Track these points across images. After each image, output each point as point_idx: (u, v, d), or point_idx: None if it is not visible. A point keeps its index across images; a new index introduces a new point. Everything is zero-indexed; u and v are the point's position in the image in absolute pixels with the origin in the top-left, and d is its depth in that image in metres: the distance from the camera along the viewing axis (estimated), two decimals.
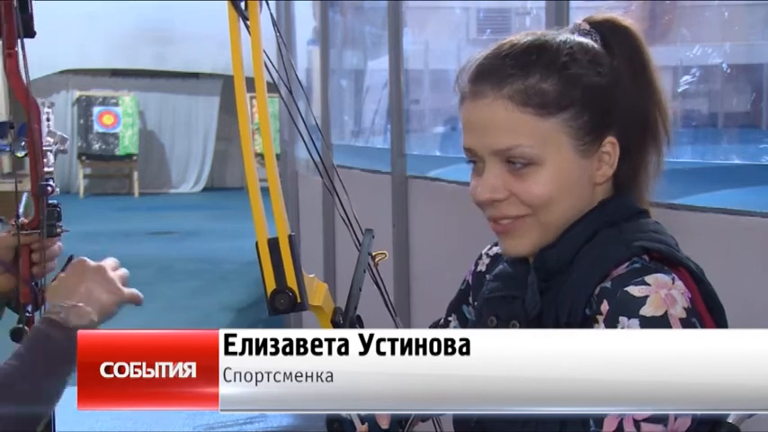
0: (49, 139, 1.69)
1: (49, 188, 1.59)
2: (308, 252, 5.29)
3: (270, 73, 1.17)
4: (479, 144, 1.20)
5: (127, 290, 1.48)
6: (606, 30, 1.23)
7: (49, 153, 1.69)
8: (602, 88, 1.19)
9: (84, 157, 14.74)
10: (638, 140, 1.23)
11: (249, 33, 1.04)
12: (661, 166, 1.26)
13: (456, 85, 1.24)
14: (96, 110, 14.88)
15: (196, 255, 9.15)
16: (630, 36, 1.24)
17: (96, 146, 14.86)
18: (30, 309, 1.58)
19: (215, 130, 15.37)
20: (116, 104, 14.93)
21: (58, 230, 1.64)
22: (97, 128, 14.80)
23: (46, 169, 1.66)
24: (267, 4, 1.07)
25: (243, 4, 1.03)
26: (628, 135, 1.22)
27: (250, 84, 1.03)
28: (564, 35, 1.22)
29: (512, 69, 1.17)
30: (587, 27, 1.24)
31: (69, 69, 14.90)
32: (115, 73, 15.36)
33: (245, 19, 1.03)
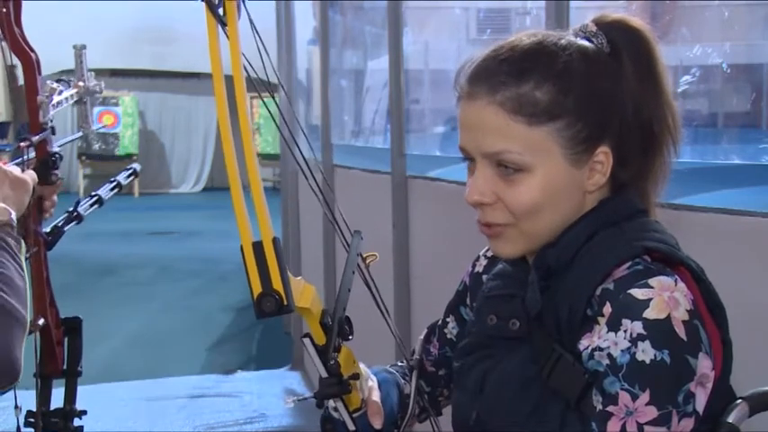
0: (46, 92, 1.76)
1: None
2: (309, 251, 5.30)
3: (267, 74, 1.18)
4: (471, 145, 1.20)
5: (27, 176, 1.62)
6: (615, 32, 1.22)
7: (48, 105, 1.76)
8: (598, 97, 1.18)
9: (84, 157, 14.75)
10: (641, 145, 1.22)
11: (228, 38, 1.04)
12: (667, 169, 1.26)
13: (455, 83, 1.23)
14: (96, 110, 14.89)
15: (196, 255, 9.15)
16: (640, 38, 1.22)
17: (96, 146, 14.87)
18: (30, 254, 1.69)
19: (215, 130, 15.38)
20: (116, 104, 14.94)
21: (54, 179, 1.72)
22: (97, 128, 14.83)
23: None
24: (245, 6, 1.07)
25: (221, 10, 1.03)
26: (629, 140, 1.21)
27: (251, 84, 1.03)
28: (566, 39, 1.20)
29: (506, 76, 1.17)
30: (594, 29, 1.23)
31: (69, 69, 14.88)
32: (115, 73, 15.35)
33: (224, 25, 1.04)
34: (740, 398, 1.20)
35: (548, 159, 1.17)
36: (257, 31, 1.15)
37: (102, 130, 14.79)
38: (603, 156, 1.19)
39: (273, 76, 1.22)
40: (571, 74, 1.17)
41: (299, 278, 1.12)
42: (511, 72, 1.17)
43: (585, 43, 1.21)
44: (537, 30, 1.24)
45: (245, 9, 1.07)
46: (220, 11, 1.04)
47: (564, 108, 1.16)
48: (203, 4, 1.04)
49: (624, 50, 1.21)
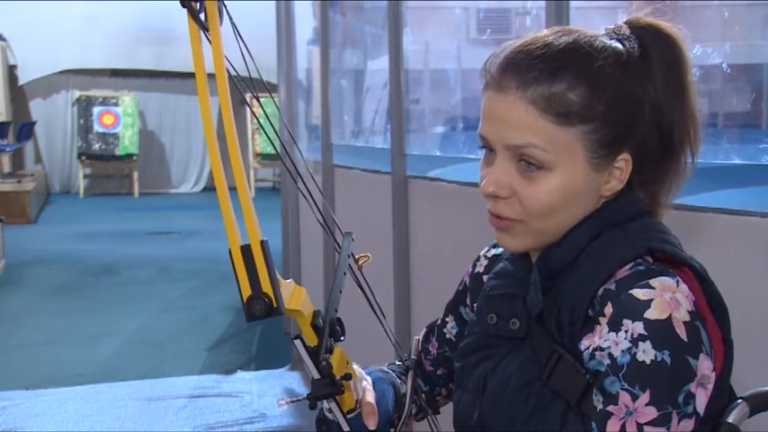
0: None
1: None
2: (310, 251, 5.29)
3: (249, 74, 1.18)
4: (494, 135, 1.19)
5: None
6: (648, 36, 1.21)
7: None
8: (628, 104, 1.17)
9: (84, 157, 14.74)
10: (659, 152, 1.22)
11: (210, 43, 1.05)
12: (682, 177, 1.25)
13: (483, 70, 1.22)
14: (96, 110, 14.88)
15: (196, 255, 9.15)
16: (672, 45, 1.21)
17: (96, 146, 14.86)
18: None
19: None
20: (116, 104, 14.94)
21: None
22: (97, 128, 14.80)
23: None
24: (227, 9, 1.07)
25: (203, 16, 1.04)
26: (648, 147, 1.20)
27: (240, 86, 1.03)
28: (600, 40, 1.19)
29: (540, 73, 1.15)
30: (627, 32, 1.21)
31: (69, 69, 14.91)
32: (115, 73, 15.36)
33: (206, 30, 1.04)
34: (740, 398, 1.20)
35: (570, 161, 1.16)
36: (239, 33, 1.15)
37: (101, 130, 14.78)
38: (624, 162, 1.19)
39: (259, 76, 1.22)
40: (605, 78, 1.16)
41: (289, 280, 1.12)
42: (545, 69, 1.15)
43: (619, 46, 1.19)
44: (571, 26, 1.23)
45: (226, 12, 1.07)
46: (202, 16, 1.04)
47: (594, 112, 1.15)
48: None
49: (654, 56, 1.20)
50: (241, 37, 1.15)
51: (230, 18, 1.09)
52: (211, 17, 1.04)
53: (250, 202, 1.04)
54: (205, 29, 1.04)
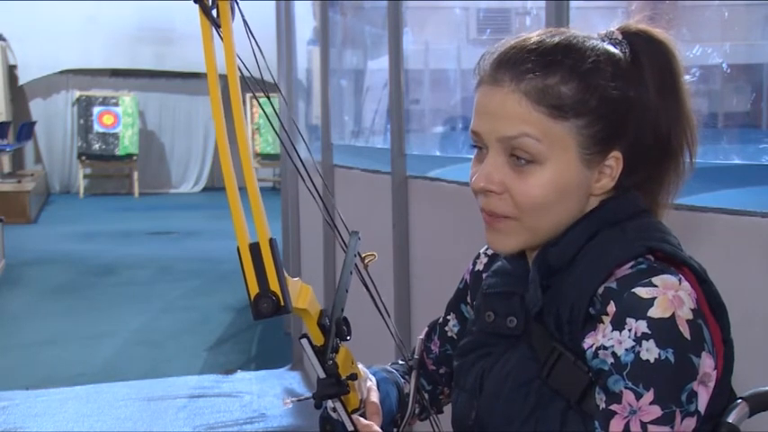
0: None
1: None
2: (309, 251, 5.29)
3: (261, 74, 1.18)
4: (486, 129, 1.19)
5: None
6: (639, 41, 1.22)
7: None
8: (620, 102, 1.18)
9: (84, 157, 14.75)
10: (655, 156, 1.22)
11: (222, 40, 1.04)
12: (680, 179, 1.25)
13: (477, 67, 1.23)
14: (96, 110, 14.89)
15: (196, 255, 9.15)
16: (664, 50, 1.22)
17: (96, 146, 14.87)
18: None
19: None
20: (116, 104, 14.94)
21: None
22: (97, 128, 14.81)
23: None
24: (239, 7, 1.07)
25: (215, 12, 1.04)
26: (641, 150, 1.20)
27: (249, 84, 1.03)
28: (593, 41, 1.20)
29: (534, 65, 1.16)
30: (619, 37, 1.22)
31: (69, 69, 14.92)
32: (115, 73, 15.37)
33: (218, 27, 1.04)
34: (740, 398, 1.20)
35: (563, 155, 1.17)
36: (251, 32, 1.15)
37: (101, 130, 14.79)
38: (614, 161, 1.19)
39: (271, 77, 1.22)
40: (597, 74, 1.17)
41: (296, 279, 1.12)
42: (538, 62, 1.17)
43: (611, 48, 1.21)
44: (563, 28, 1.24)
45: (238, 10, 1.07)
46: (214, 12, 1.04)
47: (587, 106, 1.16)
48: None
49: (645, 61, 1.21)
50: (253, 36, 1.15)
51: (242, 16, 1.09)
52: (224, 15, 1.03)
53: (260, 200, 1.04)
54: (217, 26, 1.04)
